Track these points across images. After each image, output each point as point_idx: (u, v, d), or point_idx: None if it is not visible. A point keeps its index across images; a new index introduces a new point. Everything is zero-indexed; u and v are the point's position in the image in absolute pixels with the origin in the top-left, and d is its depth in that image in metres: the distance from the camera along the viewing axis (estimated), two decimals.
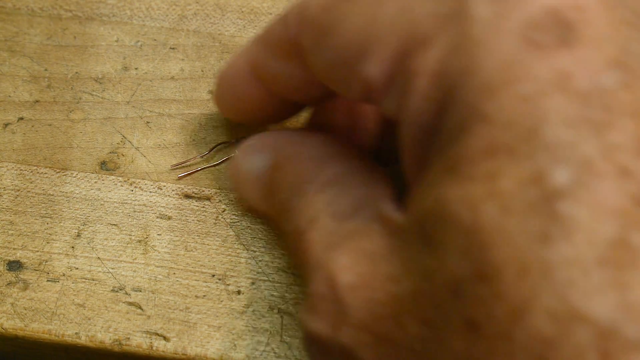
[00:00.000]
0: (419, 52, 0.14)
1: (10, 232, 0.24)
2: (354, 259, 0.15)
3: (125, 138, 0.26)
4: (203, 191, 0.25)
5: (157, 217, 0.25)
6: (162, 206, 0.25)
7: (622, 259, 0.11)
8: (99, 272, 0.23)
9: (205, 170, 0.26)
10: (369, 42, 0.15)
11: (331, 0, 0.17)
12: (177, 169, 0.26)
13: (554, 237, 0.11)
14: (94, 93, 0.28)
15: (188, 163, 0.26)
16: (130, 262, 0.24)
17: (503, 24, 0.13)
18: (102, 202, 0.25)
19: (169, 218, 0.25)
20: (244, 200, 0.24)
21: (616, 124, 0.12)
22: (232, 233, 0.24)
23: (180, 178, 0.25)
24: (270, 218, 0.23)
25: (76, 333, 0.22)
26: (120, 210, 0.25)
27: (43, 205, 0.25)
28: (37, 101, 0.27)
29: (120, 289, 0.23)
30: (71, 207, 0.25)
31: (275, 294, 0.23)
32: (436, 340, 0.13)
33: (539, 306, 0.11)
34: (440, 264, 0.12)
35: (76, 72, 0.28)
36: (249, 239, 0.24)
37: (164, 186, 0.25)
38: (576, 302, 0.11)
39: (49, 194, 0.25)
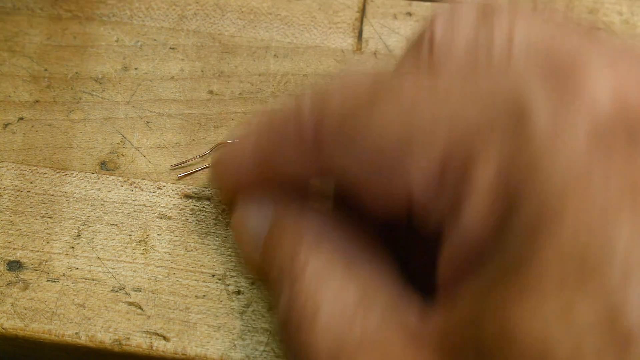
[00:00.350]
0: (473, 165, 0.13)
1: (10, 232, 0.24)
2: None
3: (125, 138, 0.26)
4: (203, 191, 0.25)
5: (157, 217, 0.25)
6: (162, 206, 0.25)
7: None
8: (99, 272, 0.23)
9: (205, 170, 0.26)
10: (410, 145, 0.14)
11: (354, 103, 0.15)
12: (177, 169, 0.26)
13: None
14: (94, 93, 0.28)
15: (188, 163, 0.26)
16: (130, 262, 0.24)
17: (568, 131, 0.12)
18: (102, 202, 0.25)
19: (169, 218, 0.25)
20: (241, 253, 0.24)
21: None
22: (232, 233, 0.24)
23: (180, 178, 0.25)
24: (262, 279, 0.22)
25: (76, 333, 0.22)
26: (120, 210, 0.25)
27: (43, 205, 0.25)
28: (37, 101, 0.27)
29: (120, 289, 0.23)
30: (71, 207, 0.25)
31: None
32: None
33: None
34: None
35: (76, 72, 0.28)
36: None
37: (164, 186, 0.25)
38: None
39: (49, 194, 0.25)
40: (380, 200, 0.16)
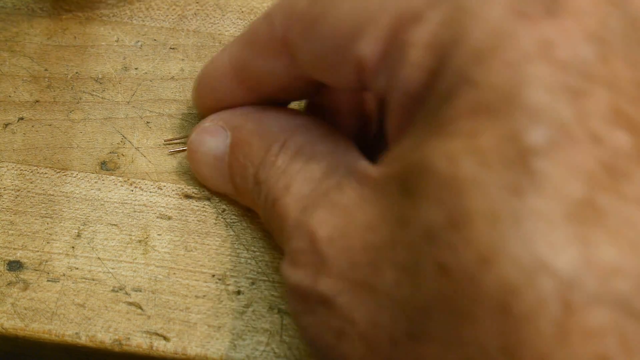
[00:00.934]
0: (412, 26, 0.15)
1: (10, 232, 0.24)
2: (330, 212, 0.16)
3: (125, 138, 0.26)
4: (203, 191, 0.25)
5: (157, 217, 0.25)
6: (162, 206, 0.25)
7: (587, 217, 0.11)
8: (99, 272, 0.23)
9: None
10: (360, 24, 0.16)
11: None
12: (169, 144, 0.26)
13: (526, 189, 0.12)
14: (94, 93, 0.28)
15: (181, 140, 0.26)
16: (131, 262, 0.24)
17: (492, 1, 0.14)
18: (102, 202, 0.25)
19: (169, 218, 0.25)
20: (204, 182, 0.24)
21: (592, 93, 0.12)
22: (232, 233, 0.24)
23: (171, 153, 0.25)
24: (234, 196, 0.24)
25: (76, 333, 0.22)
26: (120, 210, 0.25)
27: (43, 205, 0.25)
28: (37, 101, 0.27)
29: (121, 289, 0.23)
30: (71, 207, 0.25)
31: (275, 294, 0.23)
32: (410, 284, 0.13)
33: (505, 254, 0.12)
34: (416, 212, 0.13)
35: (76, 72, 0.28)
36: (249, 239, 0.24)
37: (164, 186, 0.25)
38: (541, 253, 0.11)
39: (49, 194, 0.25)
40: (337, 72, 0.18)
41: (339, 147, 0.19)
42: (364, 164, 0.17)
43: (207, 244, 0.24)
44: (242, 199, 0.23)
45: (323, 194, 0.17)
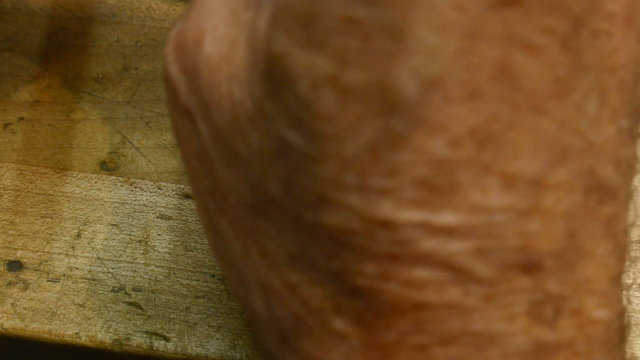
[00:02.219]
0: None
1: (10, 232, 0.24)
2: (212, 19, 0.15)
3: (125, 138, 0.26)
4: None
5: (157, 217, 0.25)
6: (162, 206, 0.25)
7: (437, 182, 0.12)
8: (99, 272, 0.23)
9: None
10: None
11: None
12: None
13: (395, 144, 0.12)
14: (94, 93, 0.28)
15: None
16: (131, 262, 0.24)
17: None
18: (102, 202, 0.25)
19: (169, 218, 0.25)
20: None
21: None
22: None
23: None
24: None
25: (76, 333, 0.22)
26: (120, 211, 0.25)
27: (43, 205, 0.25)
28: (37, 101, 0.27)
29: (121, 289, 0.23)
30: (71, 207, 0.25)
31: None
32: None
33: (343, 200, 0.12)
34: (277, 109, 0.13)
35: (76, 72, 0.28)
36: None
37: (164, 186, 0.25)
38: (385, 213, 0.12)
39: (49, 194, 0.25)
40: None
41: None
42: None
43: (207, 244, 0.24)
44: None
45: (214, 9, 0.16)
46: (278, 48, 0.13)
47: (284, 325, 0.14)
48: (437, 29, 0.11)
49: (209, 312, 0.23)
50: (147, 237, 0.24)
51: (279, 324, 0.14)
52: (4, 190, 0.25)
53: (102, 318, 0.23)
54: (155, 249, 0.24)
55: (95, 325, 0.22)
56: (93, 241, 0.24)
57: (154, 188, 0.25)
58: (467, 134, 0.12)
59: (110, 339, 0.22)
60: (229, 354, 0.22)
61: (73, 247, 0.24)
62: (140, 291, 0.23)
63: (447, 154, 0.12)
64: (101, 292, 0.23)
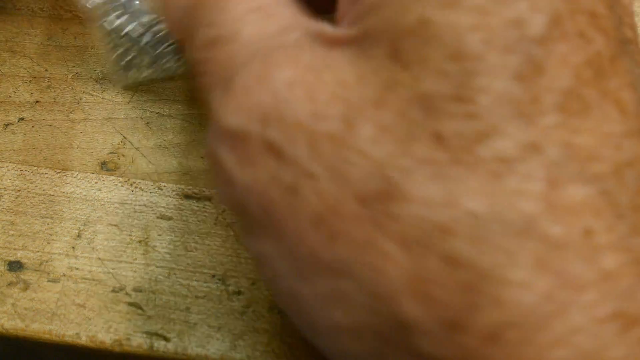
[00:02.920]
0: None
1: (10, 232, 0.24)
2: (289, 63, 0.15)
3: (125, 138, 0.26)
4: (203, 191, 0.25)
5: (158, 218, 0.25)
6: (162, 206, 0.25)
7: (572, 107, 0.13)
8: (100, 272, 0.23)
9: (205, 171, 0.26)
10: None
11: None
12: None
13: (526, 76, 0.13)
14: (95, 93, 0.28)
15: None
16: (131, 263, 0.24)
17: None
18: (103, 203, 0.25)
19: (169, 218, 0.25)
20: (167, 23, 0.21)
21: None
22: (232, 233, 0.24)
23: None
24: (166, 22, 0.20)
25: (76, 333, 0.22)
26: (120, 211, 0.25)
27: (43, 205, 0.25)
28: (37, 101, 0.27)
29: (121, 290, 0.23)
30: (71, 208, 0.25)
31: None
32: (394, 142, 0.13)
33: (504, 131, 0.12)
34: (412, 80, 0.13)
35: (76, 73, 0.28)
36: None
37: (165, 186, 0.25)
38: (533, 137, 0.13)
39: (50, 195, 0.25)
40: None
41: (294, 8, 0.17)
42: (327, 26, 0.15)
43: (207, 244, 0.24)
44: (174, 27, 0.19)
45: (279, 47, 0.15)
46: None
47: None
48: None
49: (209, 313, 0.23)
50: (147, 238, 0.24)
51: None
52: (4, 191, 0.25)
53: (102, 318, 0.23)
54: (156, 249, 0.24)
55: (95, 326, 0.22)
56: (93, 241, 0.24)
57: (154, 188, 0.25)
58: None
59: (111, 339, 0.22)
60: (229, 354, 0.22)
61: (73, 248, 0.24)
62: (141, 291, 0.23)
63: None
64: (101, 292, 0.23)
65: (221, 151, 0.15)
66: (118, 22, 0.25)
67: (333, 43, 0.15)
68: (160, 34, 0.25)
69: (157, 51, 0.25)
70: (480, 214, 0.12)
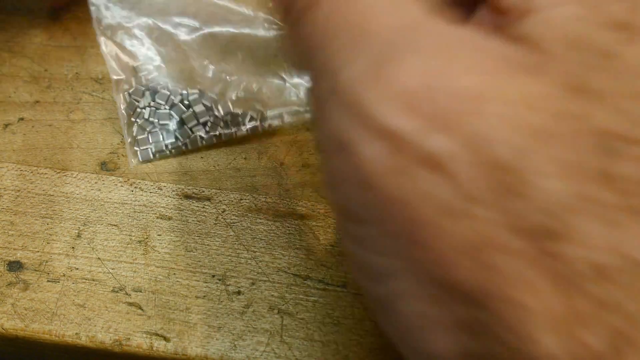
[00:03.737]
0: None
1: (10, 232, 0.24)
2: (465, 67, 0.13)
3: (125, 138, 0.26)
4: (203, 192, 0.25)
5: (157, 218, 0.25)
6: (162, 206, 0.25)
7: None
8: (99, 272, 0.23)
9: (205, 171, 0.26)
10: None
11: None
12: None
13: None
14: (94, 93, 0.28)
15: None
16: (131, 263, 0.24)
17: None
18: (102, 203, 0.25)
19: (169, 218, 0.25)
20: None
21: None
22: (232, 233, 0.24)
23: None
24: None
25: (76, 333, 0.22)
26: (120, 211, 0.25)
27: (43, 205, 0.25)
28: (37, 102, 0.27)
29: (121, 290, 0.23)
30: (71, 208, 0.25)
31: (275, 294, 0.23)
32: (567, 180, 0.12)
33: None
34: (593, 114, 0.12)
35: (76, 73, 0.28)
36: (249, 239, 0.24)
37: (164, 186, 0.25)
38: None
39: (49, 195, 0.25)
40: None
41: None
42: (489, 17, 0.14)
43: (207, 244, 0.24)
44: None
45: (449, 40, 0.13)
46: None
47: None
48: None
49: (209, 313, 0.23)
50: (147, 238, 0.24)
51: None
52: (4, 191, 0.25)
53: (102, 318, 0.23)
54: (155, 249, 0.24)
55: (95, 326, 0.22)
56: (93, 241, 0.24)
57: (154, 188, 0.25)
58: None
59: (110, 339, 0.22)
60: (229, 354, 0.22)
61: (73, 248, 0.24)
62: (141, 291, 0.23)
63: None
64: (101, 292, 0.23)
65: (367, 149, 0.13)
66: (145, 107, 0.26)
67: (504, 59, 0.13)
68: (187, 113, 0.26)
69: (179, 130, 0.26)
70: None
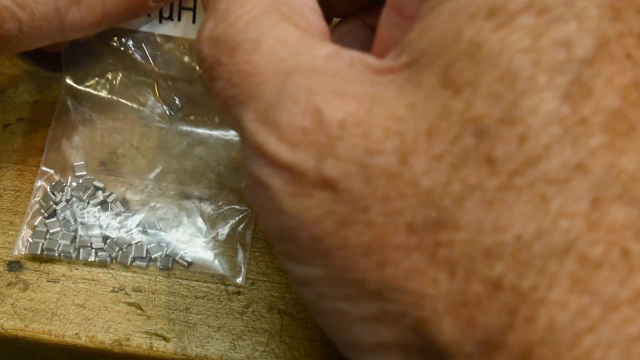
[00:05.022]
0: None
1: (10, 232, 0.24)
2: (338, 96, 0.15)
3: (125, 138, 0.26)
4: (203, 191, 0.25)
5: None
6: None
7: (618, 127, 0.13)
8: (99, 272, 0.23)
9: (205, 171, 0.26)
10: None
11: None
12: None
13: (575, 98, 0.13)
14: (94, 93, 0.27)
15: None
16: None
17: None
18: None
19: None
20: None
21: (628, 16, 0.14)
22: (232, 233, 0.24)
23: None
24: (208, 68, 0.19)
25: (76, 333, 0.22)
26: None
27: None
28: (37, 102, 0.27)
29: (121, 290, 0.23)
30: None
31: (275, 294, 0.23)
32: (446, 172, 0.13)
33: (553, 155, 0.13)
34: (464, 105, 0.13)
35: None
36: (249, 239, 0.24)
37: (164, 186, 0.25)
38: (578, 158, 0.13)
39: None
40: None
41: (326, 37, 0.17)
42: (372, 59, 0.15)
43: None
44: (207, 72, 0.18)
45: (319, 73, 0.15)
46: None
47: None
48: None
49: (208, 313, 0.23)
50: None
51: None
52: (4, 191, 0.25)
53: (102, 318, 0.23)
54: None
55: (95, 326, 0.22)
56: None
57: (154, 188, 0.25)
58: None
59: (110, 340, 0.22)
60: (228, 354, 0.22)
61: None
62: (140, 291, 0.23)
63: None
64: (101, 292, 0.23)
65: (272, 182, 0.15)
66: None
67: (379, 71, 0.15)
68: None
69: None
70: (526, 238, 0.12)
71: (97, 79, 0.26)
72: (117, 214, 0.24)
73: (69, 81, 0.26)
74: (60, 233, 0.23)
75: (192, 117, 0.26)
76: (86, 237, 0.23)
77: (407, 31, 0.15)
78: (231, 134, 0.26)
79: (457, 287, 0.13)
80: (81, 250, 0.23)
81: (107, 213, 0.24)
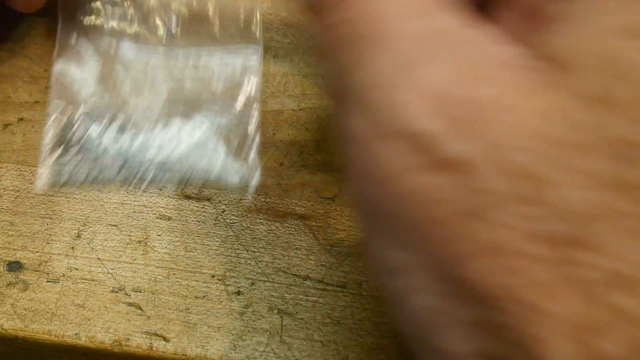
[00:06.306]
0: None
1: (10, 232, 0.24)
2: (492, 78, 0.13)
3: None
4: (203, 192, 0.25)
5: (157, 218, 0.25)
6: (161, 207, 0.25)
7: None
8: (99, 272, 0.23)
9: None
10: None
11: None
12: None
13: None
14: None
15: None
16: (130, 263, 0.24)
17: None
18: (102, 203, 0.25)
19: (169, 219, 0.25)
20: None
21: None
22: (231, 233, 0.24)
23: None
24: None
25: (76, 334, 0.22)
26: (120, 211, 0.25)
27: (43, 205, 0.25)
28: (36, 102, 0.27)
29: (120, 290, 0.23)
30: (71, 208, 0.25)
31: (275, 294, 0.23)
32: (597, 193, 0.12)
33: None
34: (625, 129, 0.12)
35: None
36: (249, 239, 0.24)
37: (164, 187, 0.25)
38: None
39: (49, 195, 0.25)
40: None
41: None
42: (508, 48, 0.14)
43: (207, 244, 0.24)
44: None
45: (473, 52, 0.14)
46: None
47: None
48: None
49: (208, 313, 0.23)
50: (146, 238, 0.24)
51: None
52: (4, 191, 0.25)
53: (101, 318, 0.23)
54: (155, 249, 0.24)
55: (95, 326, 0.22)
56: (93, 242, 0.24)
57: (154, 188, 0.25)
58: None
59: (110, 340, 0.22)
60: (228, 354, 0.22)
61: (73, 248, 0.24)
62: (140, 292, 0.23)
63: None
64: (101, 292, 0.23)
65: (392, 149, 0.13)
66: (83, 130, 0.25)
67: (515, 64, 0.14)
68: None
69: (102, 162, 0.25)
70: None
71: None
72: (134, 135, 0.25)
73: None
74: (79, 159, 0.24)
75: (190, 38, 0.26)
76: (107, 161, 0.24)
77: (538, 29, 0.14)
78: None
79: (586, 312, 0.12)
80: (103, 172, 0.24)
81: (124, 136, 0.25)
